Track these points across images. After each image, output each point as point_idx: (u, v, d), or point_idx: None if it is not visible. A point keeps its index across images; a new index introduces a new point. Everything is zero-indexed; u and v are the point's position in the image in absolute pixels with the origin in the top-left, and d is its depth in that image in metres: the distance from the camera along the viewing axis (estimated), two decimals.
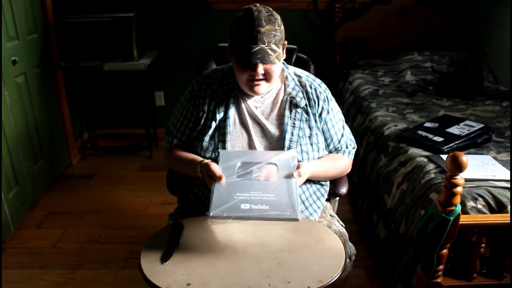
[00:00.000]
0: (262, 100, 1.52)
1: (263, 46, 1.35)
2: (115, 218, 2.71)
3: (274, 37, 1.37)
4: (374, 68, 3.40)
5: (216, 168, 1.38)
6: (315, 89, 1.55)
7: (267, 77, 1.42)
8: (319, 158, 1.55)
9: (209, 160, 1.46)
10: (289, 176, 1.36)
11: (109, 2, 3.42)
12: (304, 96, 1.53)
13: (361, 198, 2.62)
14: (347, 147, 1.62)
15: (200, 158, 1.49)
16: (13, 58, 2.58)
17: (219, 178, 1.35)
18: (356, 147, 1.66)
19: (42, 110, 2.96)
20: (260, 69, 1.39)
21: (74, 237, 2.53)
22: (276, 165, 1.40)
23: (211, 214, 1.28)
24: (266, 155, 1.44)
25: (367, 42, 3.54)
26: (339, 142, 1.60)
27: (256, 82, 1.42)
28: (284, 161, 1.41)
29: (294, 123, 1.50)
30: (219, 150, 1.49)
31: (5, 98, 2.50)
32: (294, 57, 1.90)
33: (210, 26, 3.51)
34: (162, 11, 3.48)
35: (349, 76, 3.35)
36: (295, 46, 1.92)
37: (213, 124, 1.50)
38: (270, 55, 1.36)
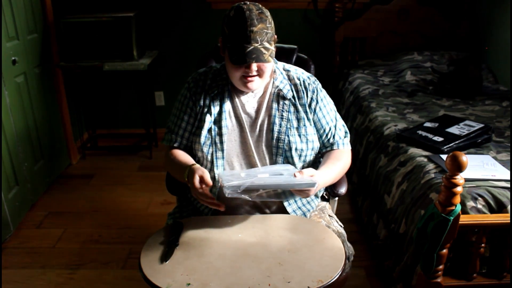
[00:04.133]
0: (253, 95, 1.56)
1: (256, 45, 1.38)
2: (115, 218, 2.71)
3: (266, 35, 1.40)
4: (374, 68, 3.41)
5: (207, 175, 1.36)
6: (304, 81, 1.58)
7: (259, 73, 1.46)
8: (309, 151, 1.55)
9: (200, 165, 1.47)
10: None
11: (109, 2, 3.42)
12: (291, 89, 1.57)
13: (361, 198, 2.62)
14: (340, 138, 1.62)
15: (192, 162, 1.49)
16: (13, 58, 2.58)
17: (208, 184, 1.35)
18: (348, 136, 1.66)
19: (42, 110, 2.96)
20: (254, 66, 1.43)
21: (74, 237, 2.53)
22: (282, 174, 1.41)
23: (225, 184, 1.28)
24: (268, 170, 1.45)
25: (367, 42, 3.54)
26: (331, 131, 1.60)
27: (249, 79, 1.46)
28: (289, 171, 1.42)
29: (282, 115, 1.53)
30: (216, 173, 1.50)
31: (5, 98, 2.50)
32: (295, 57, 1.90)
33: (210, 26, 3.51)
34: (162, 11, 3.48)
35: (349, 76, 3.35)
36: (296, 46, 1.92)
37: (209, 118, 1.52)
38: (264, 53, 1.39)
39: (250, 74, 1.44)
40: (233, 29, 1.40)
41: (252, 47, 1.38)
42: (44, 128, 2.99)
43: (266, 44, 1.40)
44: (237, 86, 1.51)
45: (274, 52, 1.45)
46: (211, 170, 1.51)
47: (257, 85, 1.48)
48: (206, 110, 1.54)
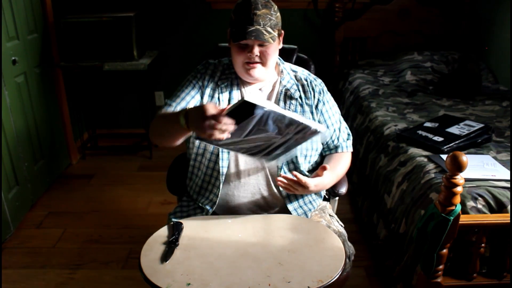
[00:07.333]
0: (260, 92, 1.56)
1: (258, 27, 1.41)
2: (115, 218, 2.71)
3: (270, 21, 1.43)
4: (374, 68, 3.40)
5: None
6: (311, 82, 1.60)
7: (262, 60, 1.47)
8: (313, 152, 1.56)
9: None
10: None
11: (109, 2, 3.42)
12: (299, 89, 1.58)
13: (361, 198, 2.61)
14: (344, 140, 1.64)
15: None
16: (13, 58, 2.58)
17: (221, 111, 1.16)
18: (351, 138, 1.68)
19: (42, 110, 2.96)
20: (256, 50, 1.44)
21: (74, 237, 2.53)
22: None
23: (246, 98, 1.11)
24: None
25: (367, 42, 3.54)
26: (335, 134, 1.62)
27: (251, 65, 1.47)
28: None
29: None
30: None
31: (5, 98, 2.50)
32: (295, 57, 1.90)
33: (210, 26, 3.51)
34: (162, 11, 3.48)
35: (349, 76, 3.35)
36: (296, 46, 1.92)
37: None
38: (265, 34, 1.41)
39: (252, 59, 1.45)
40: (238, 13, 1.44)
41: (254, 28, 1.41)
42: (44, 128, 2.99)
43: (269, 29, 1.43)
44: (240, 75, 1.52)
45: (276, 38, 1.46)
46: (216, 164, 1.51)
47: (259, 73, 1.49)
48: (215, 101, 1.53)
